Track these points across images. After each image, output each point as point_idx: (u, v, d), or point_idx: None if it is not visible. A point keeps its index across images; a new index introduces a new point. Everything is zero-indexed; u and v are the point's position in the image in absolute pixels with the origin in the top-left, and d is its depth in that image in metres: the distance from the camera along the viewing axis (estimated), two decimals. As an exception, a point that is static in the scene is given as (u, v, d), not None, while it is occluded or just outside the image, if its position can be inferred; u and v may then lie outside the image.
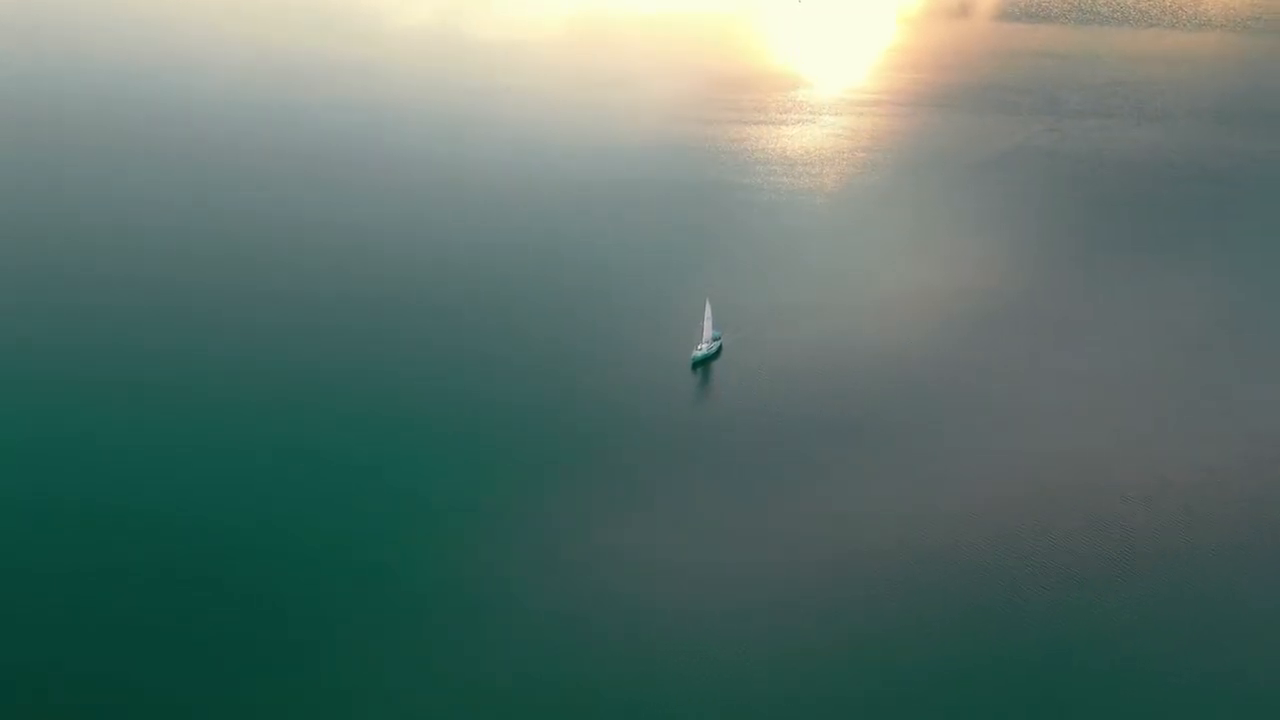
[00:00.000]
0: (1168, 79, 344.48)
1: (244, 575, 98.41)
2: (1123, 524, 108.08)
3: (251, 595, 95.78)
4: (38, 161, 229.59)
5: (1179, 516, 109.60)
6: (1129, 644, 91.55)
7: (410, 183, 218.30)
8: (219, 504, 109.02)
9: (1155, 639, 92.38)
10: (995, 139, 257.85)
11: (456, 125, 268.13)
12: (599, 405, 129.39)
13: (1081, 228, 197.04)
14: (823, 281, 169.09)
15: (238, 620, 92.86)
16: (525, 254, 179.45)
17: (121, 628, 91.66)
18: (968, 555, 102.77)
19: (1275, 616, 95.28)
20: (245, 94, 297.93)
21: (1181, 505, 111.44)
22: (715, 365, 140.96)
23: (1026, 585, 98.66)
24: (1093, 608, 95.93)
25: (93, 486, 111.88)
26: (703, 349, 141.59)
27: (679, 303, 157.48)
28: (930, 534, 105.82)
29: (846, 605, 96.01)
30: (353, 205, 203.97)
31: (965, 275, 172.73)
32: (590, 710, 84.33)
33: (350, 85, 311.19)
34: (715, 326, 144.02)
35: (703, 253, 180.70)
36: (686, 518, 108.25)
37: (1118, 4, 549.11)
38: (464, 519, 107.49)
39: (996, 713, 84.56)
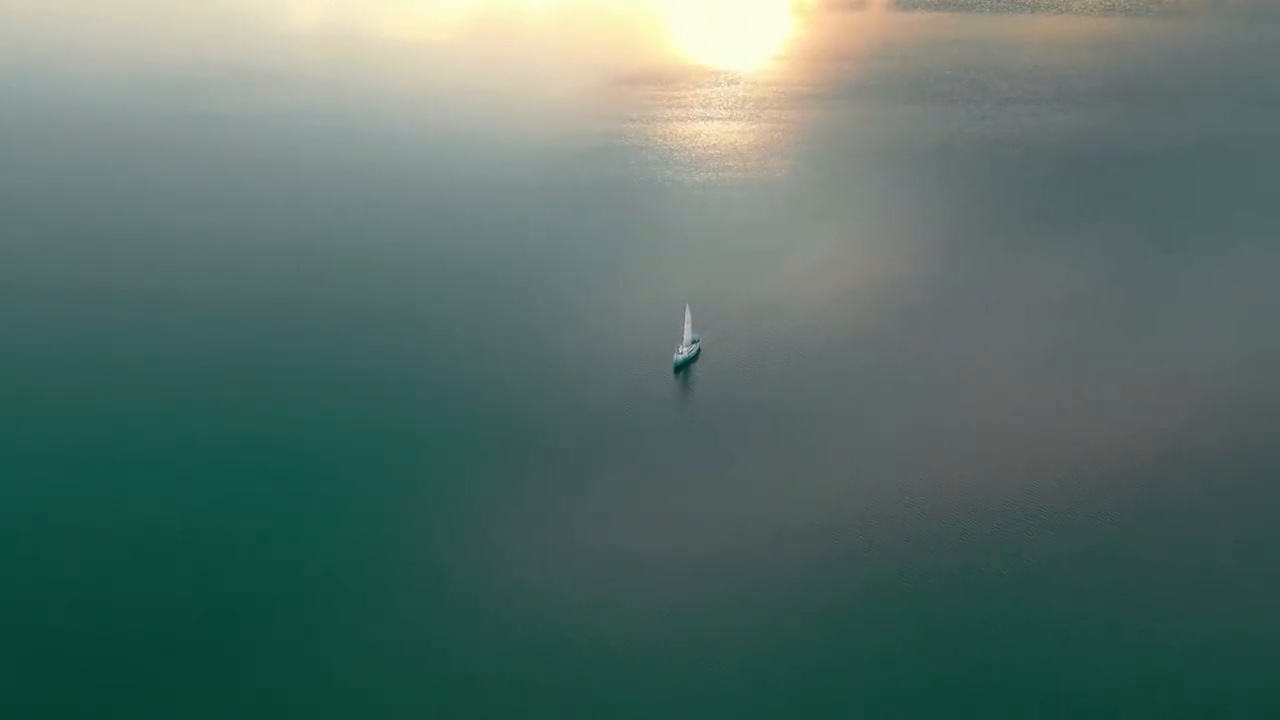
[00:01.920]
0: (1085, 63, 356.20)
1: (244, 581, 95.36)
2: (1080, 488, 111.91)
3: (244, 601, 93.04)
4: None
5: (1128, 478, 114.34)
6: (1079, 603, 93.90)
7: (353, 187, 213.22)
8: (215, 511, 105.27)
9: (1109, 598, 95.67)
10: (934, 128, 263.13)
11: (390, 128, 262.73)
12: (587, 414, 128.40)
13: (1023, 212, 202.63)
14: (787, 276, 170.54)
15: (207, 624, 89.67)
16: (494, 260, 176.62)
17: (72, 636, 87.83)
18: (943, 529, 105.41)
19: (1225, 570, 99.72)
20: (141, 98, 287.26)
21: (1130, 468, 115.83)
22: (696, 368, 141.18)
23: (1005, 554, 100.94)
24: (1057, 569, 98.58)
25: (30, 497, 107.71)
26: (683, 352, 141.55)
27: (655, 305, 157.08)
28: (911, 514, 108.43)
29: (834, 592, 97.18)
30: (315, 212, 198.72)
31: (921, 263, 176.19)
32: (589, 704, 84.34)
33: (274, 89, 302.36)
34: (694, 330, 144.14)
35: (671, 253, 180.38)
36: (688, 519, 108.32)
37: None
38: (453, 520, 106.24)
39: (966, 677, 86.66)
